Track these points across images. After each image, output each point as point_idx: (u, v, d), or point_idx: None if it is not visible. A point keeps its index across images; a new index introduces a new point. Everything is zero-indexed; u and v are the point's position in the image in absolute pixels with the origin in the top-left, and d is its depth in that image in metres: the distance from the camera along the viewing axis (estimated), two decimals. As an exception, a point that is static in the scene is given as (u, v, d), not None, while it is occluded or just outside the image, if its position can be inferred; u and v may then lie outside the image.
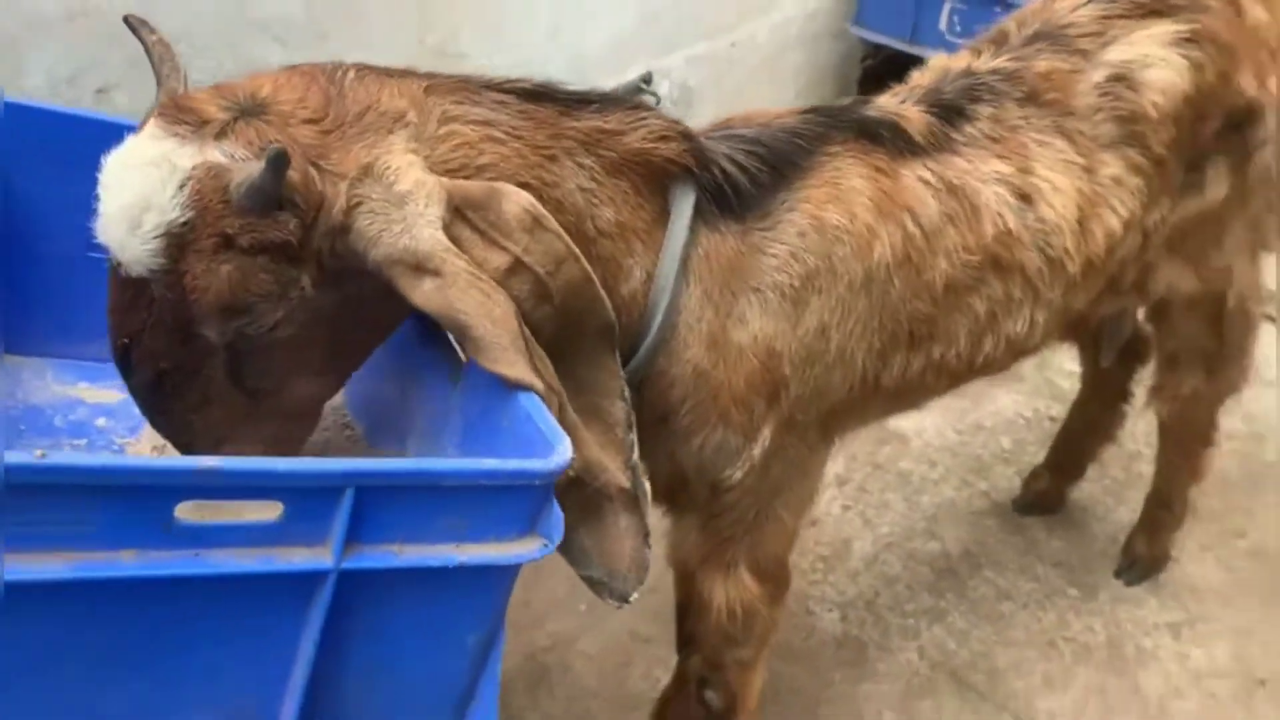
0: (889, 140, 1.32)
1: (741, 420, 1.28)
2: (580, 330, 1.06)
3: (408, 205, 0.95)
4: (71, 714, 0.79)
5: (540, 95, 1.12)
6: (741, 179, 1.22)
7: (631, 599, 1.09)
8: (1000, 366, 1.60)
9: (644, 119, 1.18)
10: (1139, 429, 2.47)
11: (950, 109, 1.40)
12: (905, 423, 2.53)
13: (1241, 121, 1.59)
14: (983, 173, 1.37)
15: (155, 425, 1.01)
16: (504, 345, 0.94)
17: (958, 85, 1.44)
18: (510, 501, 0.87)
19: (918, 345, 1.39)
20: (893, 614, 2.13)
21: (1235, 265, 1.77)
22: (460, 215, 0.98)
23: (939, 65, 1.53)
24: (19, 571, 0.70)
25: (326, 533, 0.81)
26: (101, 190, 0.93)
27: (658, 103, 1.28)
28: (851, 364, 1.34)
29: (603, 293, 1.06)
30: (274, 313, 0.96)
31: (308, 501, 0.79)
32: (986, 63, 1.48)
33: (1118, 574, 2.21)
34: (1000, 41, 1.53)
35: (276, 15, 1.75)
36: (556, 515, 0.92)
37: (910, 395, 1.51)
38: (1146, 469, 2.27)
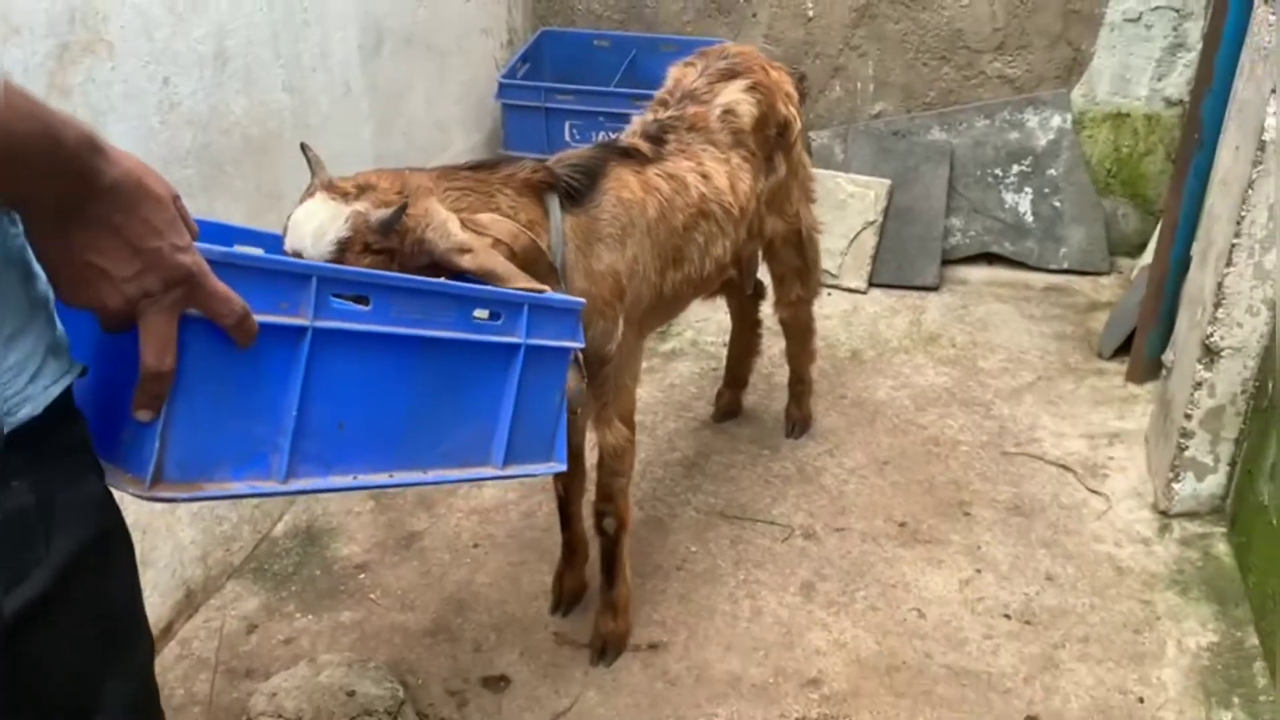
0: (636, 156, 2.34)
1: (610, 314, 2.21)
2: (537, 266, 1.97)
3: (448, 225, 1.84)
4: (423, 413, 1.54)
5: (478, 166, 2.07)
6: (576, 184, 2.17)
7: (577, 413, 2.04)
8: (714, 281, 2.64)
9: (524, 164, 2.13)
10: (767, 358, 3.73)
11: (655, 138, 2.44)
12: (627, 395, 3.61)
13: (783, 129, 2.77)
14: (682, 167, 2.41)
15: None
16: (513, 274, 1.82)
17: (654, 126, 2.48)
18: (570, 318, 1.78)
19: (678, 265, 2.41)
20: (669, 497, 3.14)
21: (800, 210, 2.98)
22: (465, 226, 1.89)
23: (638, 120, 2.57)
24: (429, 334, 1.50)
25: (518, 327, 1.64)
26: (292, 225, 1.76)
27: None
28: (649, 279, 2.33)
29: (545, 250, 2.00)
30: None
31: (513, 311, 1.64)
32: (663, 114, 2.55)
33: (787, 434, 3.33)
34: (664, 104, 2.61)
35: (183, 179, 2.51)
36: (581, 331, 1.83)
37: (675, 303, 2.53)
38: (782, 379, 3.48)
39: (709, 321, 3.96)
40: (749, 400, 3.54)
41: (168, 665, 2.60)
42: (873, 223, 4.21)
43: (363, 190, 1.79)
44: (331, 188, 1.79)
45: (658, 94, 2.69)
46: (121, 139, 2.30)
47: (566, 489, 2.65)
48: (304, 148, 1.89)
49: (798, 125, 2.80)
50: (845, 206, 4.22)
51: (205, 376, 1.19)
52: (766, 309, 3.28)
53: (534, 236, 1.97)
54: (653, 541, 2.96)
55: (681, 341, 3.92)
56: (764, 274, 3.15)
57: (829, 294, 4.20)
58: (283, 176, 2.86)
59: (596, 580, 2.80)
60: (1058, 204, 4.21)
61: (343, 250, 1.71)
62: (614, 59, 4.19)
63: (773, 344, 3.47)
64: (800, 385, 3.36)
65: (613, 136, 2.57)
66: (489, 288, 1.69)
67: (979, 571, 2.83)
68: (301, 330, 1.30)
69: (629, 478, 2.50)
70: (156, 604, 2.59)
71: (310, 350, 1.31)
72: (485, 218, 1.92)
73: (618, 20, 4.41)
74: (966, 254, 4.34)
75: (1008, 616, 2.69)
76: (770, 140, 2.71)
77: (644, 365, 3.72)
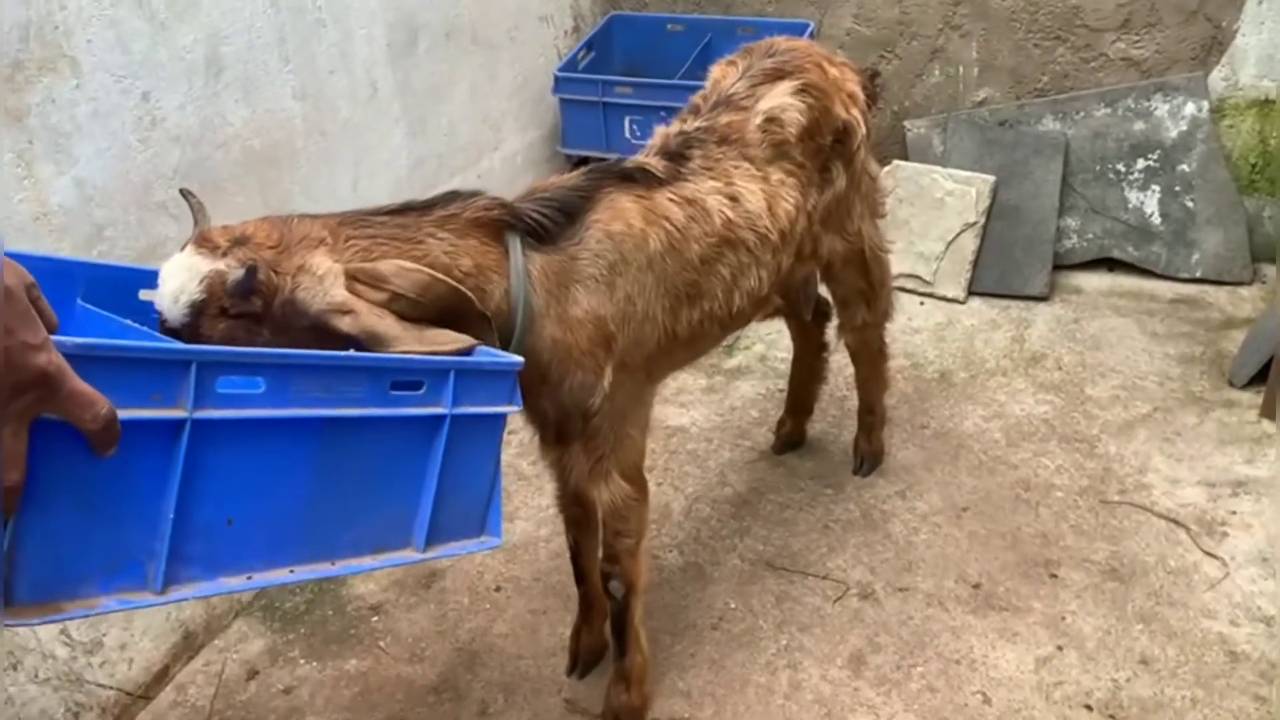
0: (641, 179, 2.04)
1: (590, 365, 1.94)
2: (465, 315, 1.69)
3: (325, 282, 1.60)
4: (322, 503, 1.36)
5: (402, 210, 1.80)
6: (545, 221, 1.88)
7: None
8: (749, 315, 2.33)
9: (474, 201, 1.86)
10: (842, 380, 3.38)
11: (676, 155, 2.13)
12: (683, 419, 3.31)
13: (843, 136, 2.40)
14: (705, 189, 2.10)
15: None
16: (399, 337, 1.57)
17: (677, 140, 2.18)
18: (505, 381, 1.55)
19: (694, 302, 2.10)
20: (713, 540, 2.85)
21: (863, 228, 2.61)
22: (356, 279, 1.63)
23: (661, 132, 2.26)
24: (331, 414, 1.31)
25: (443, 396, 1.45)
26: (161, 281, 1.55)
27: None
28: (655, 320, 2.04)
29: (471, 296, 1.69)
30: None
31: (438, 380, 1.44)
32: (690, 125, 2.23)
33: (855, 471, 2.99)
34: (696, 111, 2.29)
35: (170, 199, 2.34)
36: (518, 393, 1.59)
37: (698, 342, 2.22)
38: (853, 404, 3.12)
39: (782, 335, 3.59)
40: (815, 427, 3.20)
41: (160, 713, 2.46)
42: (973, 224, 3.77)
43: (236, 244, 1.58)
44: (203, 241, 1.59)
45: (694, 97, 2.36)
46: (90, 161, 2.14)
47: (577, 541, 2.39)
48: (184, 193, 1.71)
49: (861, 131, 2.43)
50: (943, 205, 3.80)
51: (64, 485, 1.08)
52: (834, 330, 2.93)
53: (454, 284, 1.69)
54: (689, 593, 2.67)
55: (748, 357, 3.59)
56: (826, 290, 2.80)
57: (921, 303, 3.80)
58: (294, 189, 2.67)
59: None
60: (1190, 203, 3.68)
61: (198, 315, 1.53)
62: (688, 45, 3.87)
63: (846, 364, 3.11)
64: (871, 416, 3.00)
65: (620, 156, 2.25)
66: (406, 356, 1.47)
67: (1060, 649, 2.44)
68: (179, 423, 1.17)
69: (638, 538, 2.22)
70: (147, 649, 2.45)
71: (191, 444, 1.19)
72: (387, 268, 1.66)
73: (694, 2, 4.06)
74: (1082, 259, 3.85)
75: (1089, 708, 2.29)
76: (825, 149, 2.36)
77: (703, 383, 3.43)
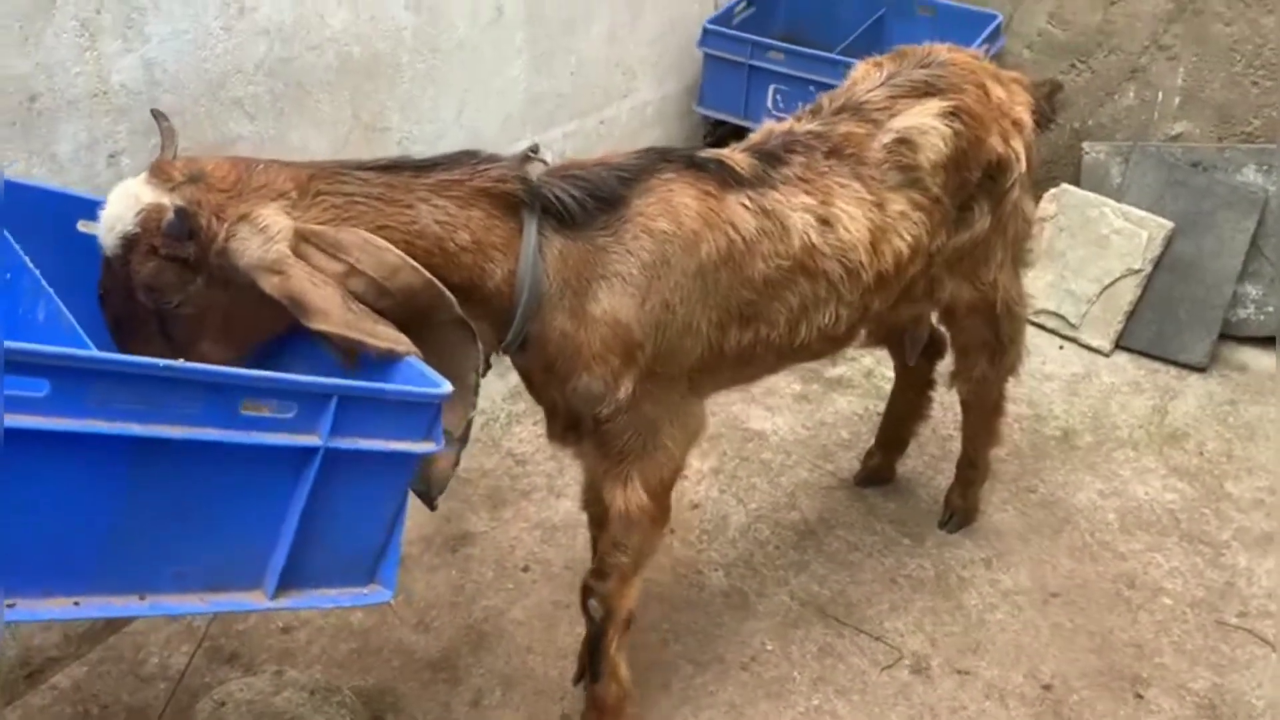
0: (715, 172, 1.76)
1: (601, 371, 1.71)
2: (432, 318, 1.47)
3: (264, 235, 1.41)
4: (142, 536, 1.16)
5: (394, 167, 1.57)
6: (571, 203, 1.64)
7: (436, 505, 1.54)
8: (820, 350, 2.04)
9: (484, 169, 1.62)
10: (949, 416, 3.04)
11: (770, 156, 1.85)
12: (765, 423, 3.03)
13: (995, 172, 2.08)
14: (793, 203, 1.81)
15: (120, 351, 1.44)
16: (326, 312, 1.36)
17: (779, 140, 1.89)
18: (419, 415, 1.30)
19: (747, 323, 1.83)
20: (766, 568, 2.58)
21: (1000, 278, 2.25)
22: (307, 241, 1.42)
23: (767, 127, 1.99)
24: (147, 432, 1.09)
25: (318, 425, 1.22)
26: (105, 205, 1.40)
27: (545, 166, 1.71)
28: (698, 332, 1.78)
29: (449, 295, 1.46)
30: (177, 296, 1.45)
31: (312, 403, 1.20)
32: (804, 126, 1.94)
33: (941, 525, 2.69)
34: (817, 111, 2.00)
35: (248, 95, 2.17)
36: (439, 429, 1.34)
37: (750, 365, 1.94)
38: (956, 446, 2.79)
39: (895, 352, 3.28)
40: (907, 464, 2.89)
41: (155, 626, 2.36)
42: (1138, 270, 3.35)
43: (191, 180, 1.42)
44: (158, 170, 1.44)
45: (824, 94, 2.05)
46: (165, 43, 1.98)
47: (597, 540, 2.16)
48: (155, 114, 1.55)
49: (1020, 167, 2.09)
50: (1107, 244, 3.38)
51: None
52: (941, 367, 2.60)
53: (430, 279, 1.45)
54: (725, 623, 2.43)
55: (853, 369, 3.27)
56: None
57: (1060, 347, 3.41)
58: (391, 106, 2.48)
59: (631, 652, 2.29)
60: (1400, 296, 3.18)
61: (129, 248, 1.39)
62: (859, 14, 3.53)
63: (954, 403, 2.77)
64: (972, 470, 2.68)
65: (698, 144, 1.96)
66: (261, 374, 1.20)
67: (1129, 787, 2.11)
68: None
69: (636, 562, 1.96)
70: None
71: None
72: (349, 236, 1.44)
73: (875, -30, 3.69)
74: (1255, 334, 3.39)
75: None
76: (970, 185, 2.04)
77: (796, 389, 3.14)
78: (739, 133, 3.13)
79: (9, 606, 1.07)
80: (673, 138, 3.48)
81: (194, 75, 2.04)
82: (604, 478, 1.86)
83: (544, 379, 1.78)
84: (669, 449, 1.87)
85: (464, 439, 1.51)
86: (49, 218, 1.42)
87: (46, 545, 1.09)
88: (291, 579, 1.26)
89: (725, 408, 3.05)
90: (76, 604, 1.13)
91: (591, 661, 2.04)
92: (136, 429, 1.08)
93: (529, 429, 2.94)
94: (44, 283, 1.34)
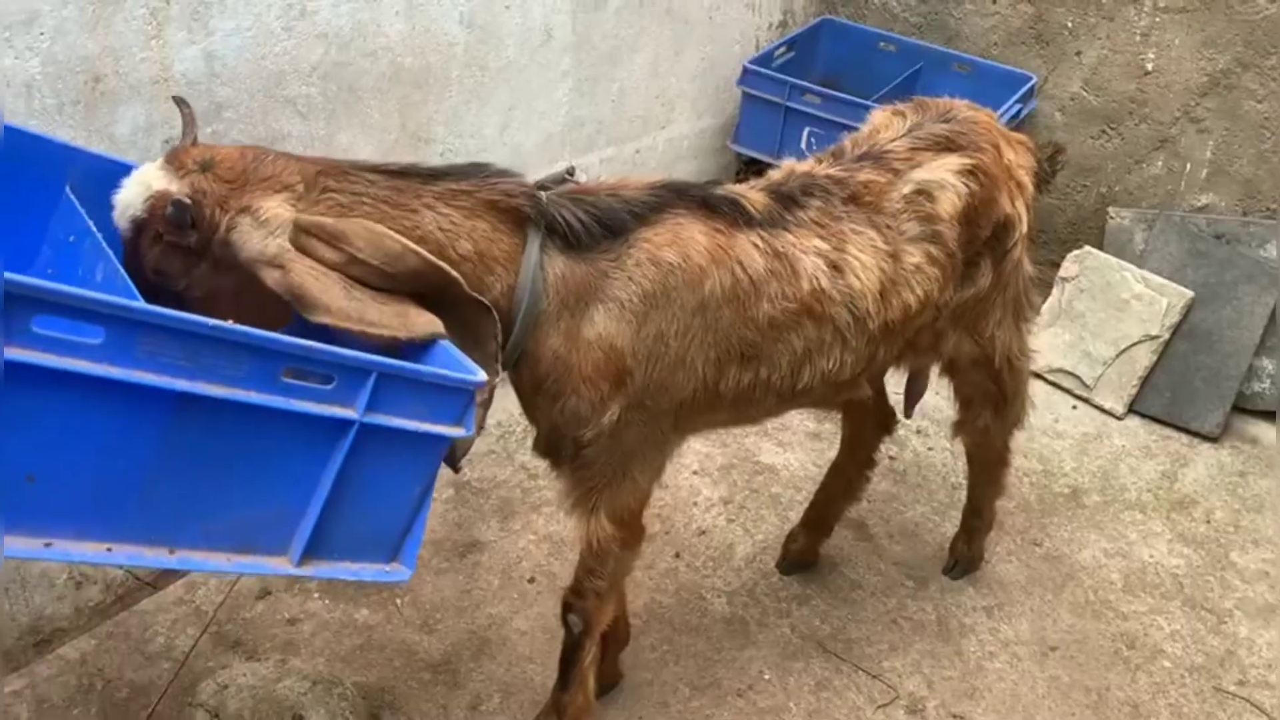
0: (728, 211, 1.77)
1: (589, 394, 1.71)
2: (448, 295, 1.51)
3: (265, 228, 1.46)
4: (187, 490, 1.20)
5: (404, 173, 1.61)
6: (578, 227, 1.66)
7: (460, 468, 1.59)
8: (822, 396, 2.04)
9: (495, 182, 1.65)
10: (959, 465, 3.06)
11: (787, 197, 1.86)
12: (776, 459, 3.06)
13: (1001, 231, 2.10)
14: (805, 246, 1.82)
15: None
16: (326, 306, 1.40)
17: (797, 182, 1.90)
18: (452, 399, 1.34)
19: (747, 363, 1.83)
20: (769, 599, 2.60)
21: (999, 334, 2.25)
22: (308, 233, 1.46)
23: (787, 167, 1.99)
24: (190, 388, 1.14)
25: (355, 400, 1.26)
26: (121, 189, 1.46)
27: None
28: (692, 369, 1.78)
29: (455, 274, 1.50)
30: (182, 280, 1.50)
31: (350, 377, 1.24)
32: (824, 169, 1.94)
33: (945, 571, 2.70)
34: (838, 155, 2.01)
35: (302, 95, 2.23)
36: (472, 415, 1.38)
37: (747, 407, 1.94)
38: (964, 495, 2.83)
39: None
40: (916, 510, 2.91)
41: (163, 606, 2.40)
42: (1155, 337, 3.37)
43: (201, 169, 1.47)
44: (173, 158, 1.49)
45: (844, 139, 2.08)
46: (227, 38, 2.04)
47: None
48: (178, 101, 1.60)
49: (1022, 227, 2.12)
50: (1126, 308, 3.41)
51: None
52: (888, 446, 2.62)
53: (434, 261, 1.48)
54: (724, 649, 2.44)
55: (868, 413, 3.29)
56: (897, 388, 2.48)
57: (1074, 407, 3.43)
58: (437, 118, 2.54)
59: (630, 670, 2.34)
60: None
61: (138, 233, 1.45)
62: (896, 67, 3.59)
63: (962, 451, 2.79)
64: (976, 520, 2.69)
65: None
66: (310, 344, 1.24)
67: (1117, 844, 2.11)
68: None
69: (612, 583, 1.98)
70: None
71: None
72: (350, 226, 1.47)
73: (914, 25, 3.76)
74: (1268, 408, 3.40)
75: None
76: (977, 242, 2.06)
77: (810, 426, 3.17)
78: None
79: (46, 545, 1.11)
80: (707, 172, 3.54)
81: (252, 71, 2.10)
82: (572, 507, 1.87)
83: (532, 398, 1.79)
84: (637, 480, 1.88)
85: (486, 404, 1.52)
86: (114, 187, 1.46)
87: (86, 488, 1.13)
88: (317, 548, 1.30)
89: (739, 440, 3.08)
90: (109, 550, 1.17)
91: (564, 670, 2.05)
92: (181, 384, 1.12)
93: (544, 445, 2.97)
94: (104, 245, 1.39)
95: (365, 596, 2.49)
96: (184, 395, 1.13)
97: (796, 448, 3.12)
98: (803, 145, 3.30)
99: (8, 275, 1.00)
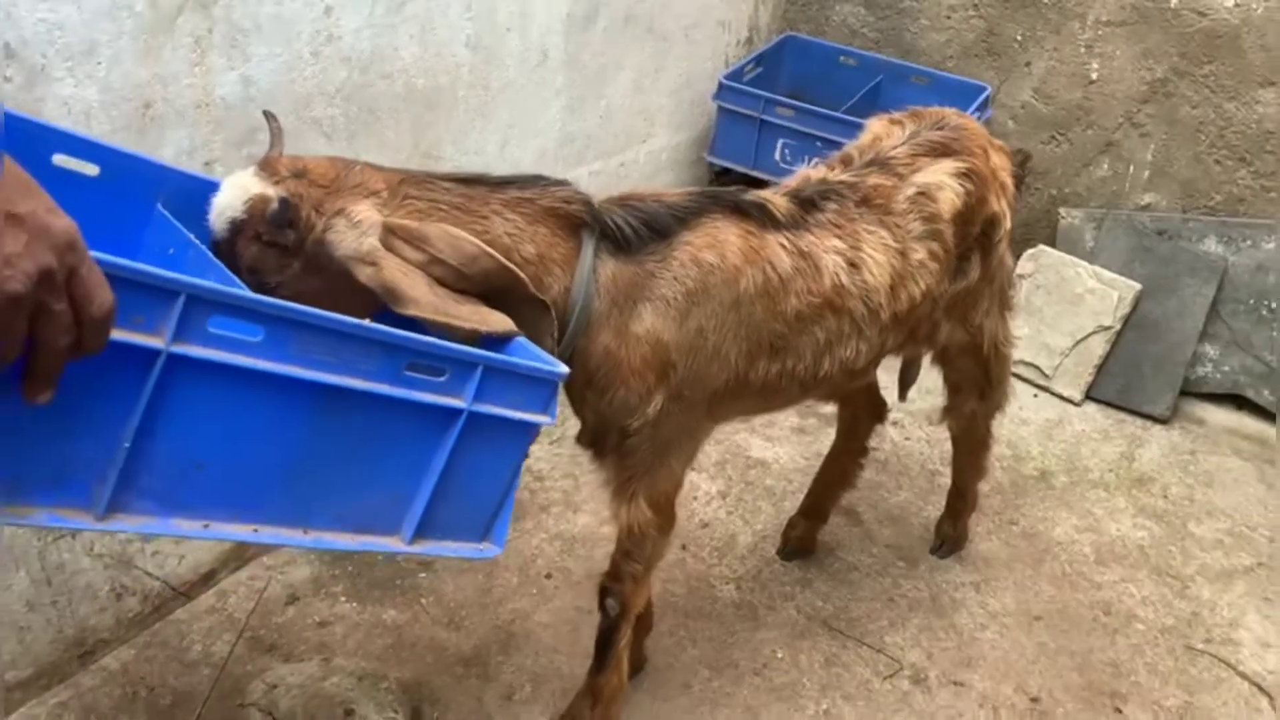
0: (757, 215, 1.92)
1: (637, 386, 1.84)
2: (512, 295, 1.62)
3: (358, 229, 1.57)
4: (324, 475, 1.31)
5: (474, 181, 1.72)
6: (628, 231, 1.79)
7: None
8: (838, 384, 2.19)
9: (552, 190, 1.77)
10: (936, 452, 3.26)
11: (807, 201, 2.01)
12: (766, 453, 3.22)
13: (989, 228, 2.28)
14: (825, 245, 1.97)
15: None
16: (415, 300, 1.51)
17: (815, 188, 2.05)
18: (542, 389, 1.46)
19: (776, 355, 1.98)
20: (774, 584, 2.75)
21: (986, 323, 2.45)
22: (394, 234, 1.58)
23: (803, 174, 2.15)
24: (336, 380, 1.25)
25: (465, 390, 1.37)
26: (218, 193, 1.55)
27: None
28: (726, 361, 1.92)
29: (522, 275, 1.61)
30: (276, 278, 1.58)
31: (461, 370, 1.36)
32: (837, 176, 2.11)
33: (932, 551, 2.88)
34: (847, 162, 2.17)
35: (327, 116, 2.33)
36: (555, 404, 1.50)
37: (773, 396, 2.09)
38: (943, 480, 3.01)
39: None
40: (900, 495, 3.09)
41: (197, 615, 2.46)
42: (1108, 328, 3.62)
43: (294, 175, 1.57)
44: (266, 165, 1.59)
45: (846, 147, 2.25)
46: (262, 63, 2.14)
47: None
48: (267, 115, 1.68)
49: (1006, 224, 2.31)
50: (1080, 302, 3.65)
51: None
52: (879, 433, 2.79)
53: (505, 263, 1.60)
54: (737, 632, 2.59)
55: (847, 408, 3.47)
56: (886, 380, 2.65)
57: (1035, 395, 3.66)
58: (446, 136, 2.65)
59: (651, 654, 2.47)
60: (1344, 361, 3.48)
61: (235, 233, 1.54)
62: (857, 80, 3.78)
63: (944, 439, 2.98)
64: (960, 501, 2.88)
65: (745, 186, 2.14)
66: (430, 340, 1.36)
67: (1111, 790, 2.30)
68: (154, 353, 1.10)
69: (647, 567, 2.10)
70: (199, 550, 2.45)
71: (166, 377, 1.12)
72: (432, 229, 1.59)
73: (872, 39, 3.98)
74: (1212, 391, 3.67)
75: None
76: (969, 239, 2.24)
77: (794, 422, 3.33)
78: (747, 181, 3.37)
79: (204, 526, 1.21)
80: (682, 182, 3.70)
81: (284, 94, 2.19)
82: (612, 494, 1.99)
83: (581, 394, 1.91)
84: (673, 468, 2.01)
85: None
86: (200, 203, 1.55)
87: (241, 474, 1.23)
88: (424, 528, 1.40)
89: (729, 437, 3.23)
90: (255, 530, 1.26)
91: (600, 654, 2.16)
92: (328, 378, 1.22)
93: (546, 448, 3.09)
94: (210, 254, 1.48)
95: (391, 597, 2.58)
96: (325, 388, 1.23)
97: (784, 442, 3.28)
98: (776, 156, 3.47)
99: (191, 280, 1.10)
